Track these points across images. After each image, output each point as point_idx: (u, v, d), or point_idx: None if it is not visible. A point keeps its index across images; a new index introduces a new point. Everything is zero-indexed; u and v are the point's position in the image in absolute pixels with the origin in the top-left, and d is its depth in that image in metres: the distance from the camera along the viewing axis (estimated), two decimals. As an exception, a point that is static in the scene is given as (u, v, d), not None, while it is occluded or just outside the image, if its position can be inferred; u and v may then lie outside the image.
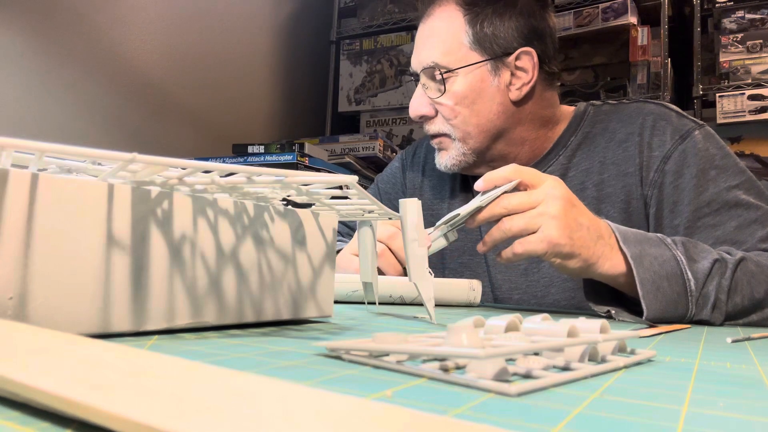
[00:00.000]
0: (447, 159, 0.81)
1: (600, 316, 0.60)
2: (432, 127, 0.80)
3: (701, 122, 0.75)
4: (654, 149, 0.74)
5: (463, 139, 0.78)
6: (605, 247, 0.58)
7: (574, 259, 0.57)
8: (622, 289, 0.60)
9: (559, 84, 0.83)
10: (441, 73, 0.77)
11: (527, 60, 0.77)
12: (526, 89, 0.77)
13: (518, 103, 0.78)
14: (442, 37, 0.78)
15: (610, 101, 0.85)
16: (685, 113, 0.77)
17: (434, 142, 0.82)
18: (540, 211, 0.56)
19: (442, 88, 0.77)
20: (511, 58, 0.77)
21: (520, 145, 0.81)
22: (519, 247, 0.57)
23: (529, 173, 0.58)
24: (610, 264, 0.58)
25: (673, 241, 0.60)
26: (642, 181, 0.74)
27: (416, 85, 0.81)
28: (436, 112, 0.79)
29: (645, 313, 0.56)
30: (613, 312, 0.58)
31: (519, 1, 0.77)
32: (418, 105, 0.80)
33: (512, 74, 0.77)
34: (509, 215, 0.57)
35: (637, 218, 0.74)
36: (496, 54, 0.76)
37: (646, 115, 0.77)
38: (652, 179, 0.73)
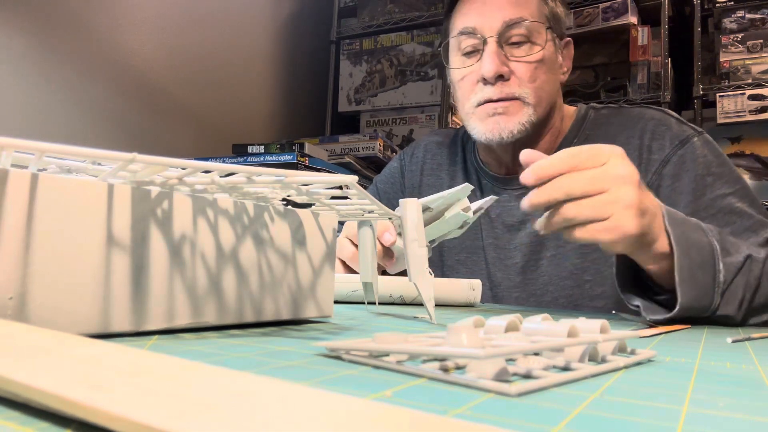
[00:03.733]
0: (515, 123, 0.76)
1: (626, 310, 0.60)
2: (505, 90, 0.76)
3: (700, 129, 0.76)
4: (653, 153, 0.75)
5: (535, 105, 0.77)
6: (659, 228, 0.54)
7: (634, 245, 0.53)
8: (656, 272, 0.57)
9: None
10: (545, 28, 0.78)
11: (569, 50, 0.84)
12: (566, 77, 0.84)
13: (561, 87, 0.84)
14: (530, 0, 0.79)
15: (611, 105, 0.87)
16: (684, 120, 0.79)
17: (499, 106, 0.77)
18: (610, 198, 0.50)
19: (541, 42, 0.77)
20: (563, 42, 0.83)
21: (546, 133, 0.83)
22: (583, 233, 0.51)
23: (587, 155, 0.51)
24: (658, 245, 0.54)
25: (708, 228, 0.57)
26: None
27: (473, 50, 0.78)
28: (510, 75, 0.76)
29: (679, 301, 0.52)
30: (641, 307, 0.55)
31: None
32: (499, 63, 0.75)
33: (562, 58, 0.83)
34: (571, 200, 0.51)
35: None
36: (559, 33, 0.81)
37: (647, 120, 0.78)
38: (650, 182, 0.74)
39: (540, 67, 0.77)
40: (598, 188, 0.50)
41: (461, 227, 0.62)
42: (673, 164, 0.73)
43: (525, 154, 0.54)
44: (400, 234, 0.65)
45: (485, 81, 0.76)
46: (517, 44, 0.77)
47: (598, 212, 0.50)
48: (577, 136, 0.82)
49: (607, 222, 0.50)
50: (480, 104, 0.78)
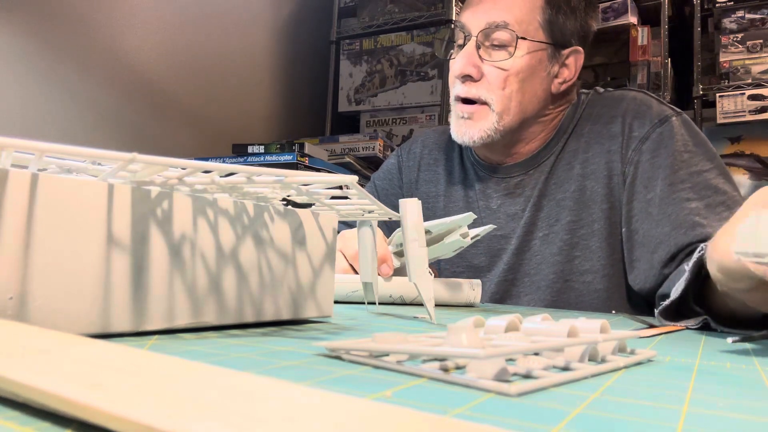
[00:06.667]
0: (477, 131, 0.78)
1: (625, 310, 0.57)
2: (472, 91, 0.78)
3: (679, 110, 0.79)
4: (634, 130, 0.78)
5: (501, 113, 0.78)
6: None
7: None
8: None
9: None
10: (517, 37, 0.77)
11: (575, 59, 0.82)
12: (565, 86, 0.82)
13: (554, 97, 0.83)
14: (518, 4, 0.78)
15: (598, 88, 0.88)
16: (664, 102, 0.81)
17: (465, 109, 0.79)
18: None
19: (511, 50, 0.77)
20: (566, 51, 0.81)
21: (535, 136, 0.84)
22: None
23: None
24: None
25: None
26: (622, 159, 0.78)
27: (463, 44, 0.79)
28: (481, 77, 0.78)
29: None
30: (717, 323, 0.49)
31: (594, 5, 0.83)
32: (467, 63, 0.77)
33: (560, 67, 0.82)
34: None
35: (617, 192, 0.78)
36: (557, 42, 0.80)
37: (629, 100, 0.81)
38: (630, 157, 0.77)
39: (513, 76, 0.77)
40: None
41: (455, 251, 0.63)
42: (652, 141, 0.76)
43: None
44: (401, 246, 0.66)
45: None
46: (498, 47, 0.78)
47: None
48: (571, 121, 0.84)
49: None
50: (455, 100, 0.80)
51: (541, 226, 0.82)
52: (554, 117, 0.84)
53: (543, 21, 0.79)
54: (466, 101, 0.79)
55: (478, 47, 0.78)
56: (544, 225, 0.81)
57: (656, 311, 0.54)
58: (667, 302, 0.52)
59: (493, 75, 0.77)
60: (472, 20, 0.79)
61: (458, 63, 0.78)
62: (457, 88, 0.79)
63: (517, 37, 0.77)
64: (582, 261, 0.79)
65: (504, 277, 0.83)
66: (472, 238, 0.61)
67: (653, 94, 0.82)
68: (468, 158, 0.91)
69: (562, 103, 0.84)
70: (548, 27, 0.79)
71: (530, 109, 0.80)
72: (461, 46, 0.80)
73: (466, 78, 0.78)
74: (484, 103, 0.78)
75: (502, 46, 0.77)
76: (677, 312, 0.53)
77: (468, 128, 0.79)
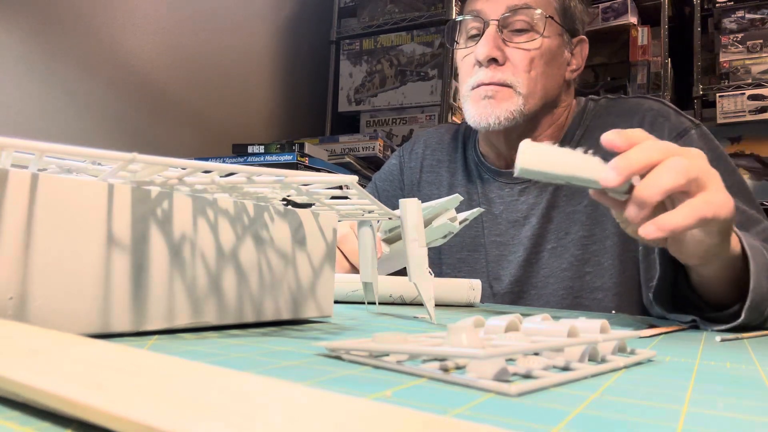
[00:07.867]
0: (503, 111, 0.76)
1: (626, 310, 0.58)
2: (497, 75, 0.76)
3: (698, 122, 0.77)
4: None
5: (526, 96, 0.77)
6: (732, 225, 0.49)
7: (724, 234, 0.47)
8: (710, 280, 0.52)
9: None
10: (545, 16, 0.77)
11: (582, 48, 0.83)
12: (575, 75, 0.83)
13: (566, 85, 0.83)
14: None
15: (609, 95, 0.87)
16: (682, 112, 0.79)
17: (489, 89, 0.77)
18: (698, 165, 0.43)
19: (539, 29, 0.76)
20: (575, 39, 0.82)
21: (547, 127, 0.83)
22: (687, 214, 0.42)
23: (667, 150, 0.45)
24: (734, 242, 0.50)
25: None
26: None
27: (478, 34, 0.79)
28: (505, 60, 0.77)
29: (749, 297, 0.48)
30: (698, 321, 0.51)
31: (589, 1, 0.84)
32: (492, 46, 0.76)
33: (571, 55, 0.82)
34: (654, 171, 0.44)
35: None
36: (569, 28, 0.81)
37: (646, 111, 0.79)
38: None
39: (538, 58, 0.77)
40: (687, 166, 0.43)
41: (444, 236, 0.63)
42: None
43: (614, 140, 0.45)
44: (390, 232, 0.66)
45: (479, 64, 0.77)
46: (519, 31, 0.77)
47: (687, 176, 0.43)
48: (578, 127, 0.83)
49: (701, 195, 0.43)
50: (474, 88, 0.78)
51: (550, 238, 0.80)
52: (561, 113, 0.83)
53: (557, 7, 0.80)
54: (488, 84, 0.77)
55: (505, 30, 0.77)
56: (553, 237, 0.80)
57: (651, 294, 0.55)
58: (655, 282, 0.53)
59: (518, 57, 0.76)
60: (488, 6, 0.78)
61: (482, 47, 0.76)
62: (479, 75, 0.77)
63: (546, 17, 0.77)
64: (593, 278, 0.78)
65: (510, 289, 0.82)
66: (460, 223, 0.61)
67: (671, 104, 0.80)
68: (472, 159, 0.90)
69: (567, 97, 0.84)
70: (561, 13, 0.80)
71: (551, 95, 0.80)
72: (474, 37, 0.80)
73: (491, 62, 0.76)
74: (509, 86, 0.77)
75: (524, 30, 0.77)
76: (675, 301, 0.54)
77: (493, 108, 0.76)
